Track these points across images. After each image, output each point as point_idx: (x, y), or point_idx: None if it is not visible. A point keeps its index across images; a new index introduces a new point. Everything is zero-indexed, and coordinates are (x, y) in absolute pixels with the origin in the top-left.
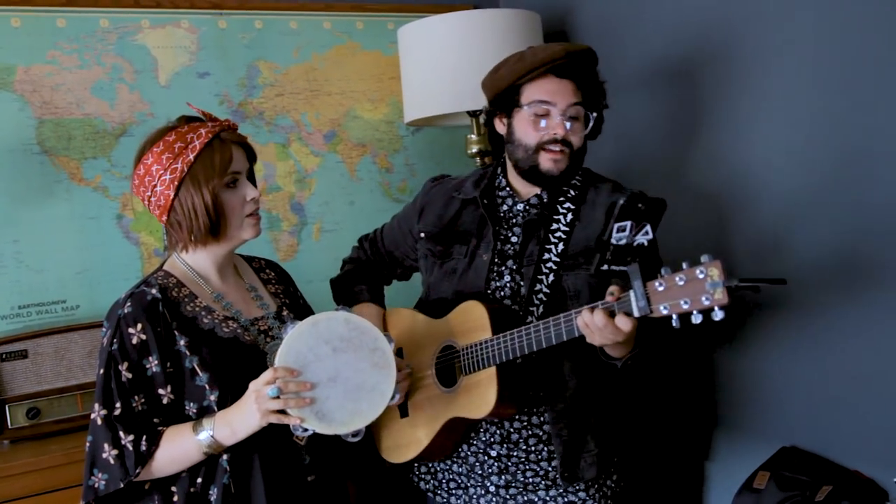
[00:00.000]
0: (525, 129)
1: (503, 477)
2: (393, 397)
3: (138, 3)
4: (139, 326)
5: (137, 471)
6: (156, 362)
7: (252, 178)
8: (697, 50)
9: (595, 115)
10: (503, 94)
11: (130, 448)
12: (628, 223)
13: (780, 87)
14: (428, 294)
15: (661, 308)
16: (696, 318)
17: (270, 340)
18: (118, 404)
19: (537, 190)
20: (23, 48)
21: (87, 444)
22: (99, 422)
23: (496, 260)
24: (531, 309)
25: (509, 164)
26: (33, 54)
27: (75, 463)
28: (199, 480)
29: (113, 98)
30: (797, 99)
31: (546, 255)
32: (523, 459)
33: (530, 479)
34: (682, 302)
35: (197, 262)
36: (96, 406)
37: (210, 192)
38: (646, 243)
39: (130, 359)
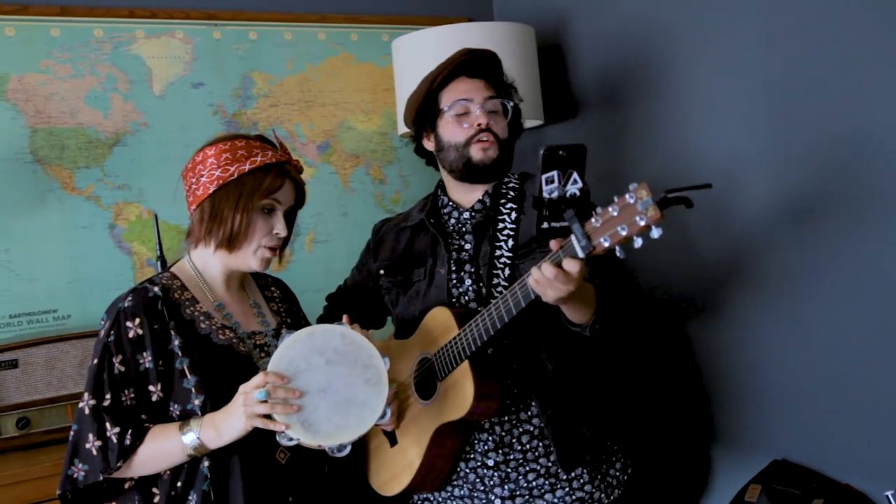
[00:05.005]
0: (451, 130)
1: (506, 487)
2: (383, 416)
3: (133, 14)
4: (137, 321)
5: (119, 464)
6: (149, 358)
7: (290, 220)
8: (686, 58)
9: (512, 104)
10: (423, 108)
11: (115, 440)
12: (555, 173)
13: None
14: (398, 326)
15: (603, 241)
16: (637, 243)
17: (265, 356)
18: (108, 395)
19: (479, 195)
20: (16, 57)
21: (72, 433)
22: (87, 411)
23: (453, 269)
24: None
25: (447, 177)
26: (27, 63)
27: None
28: (179, 484)
29: (107, 107)
30: (761, 105)
31: (498, 252)
32: (521, 461)
33: (533, 483)
34: (619, 229)
35: (206, 268)
36: (86, 395)
37: (245, 207)
38: (577, 192)
39: (125, 352)
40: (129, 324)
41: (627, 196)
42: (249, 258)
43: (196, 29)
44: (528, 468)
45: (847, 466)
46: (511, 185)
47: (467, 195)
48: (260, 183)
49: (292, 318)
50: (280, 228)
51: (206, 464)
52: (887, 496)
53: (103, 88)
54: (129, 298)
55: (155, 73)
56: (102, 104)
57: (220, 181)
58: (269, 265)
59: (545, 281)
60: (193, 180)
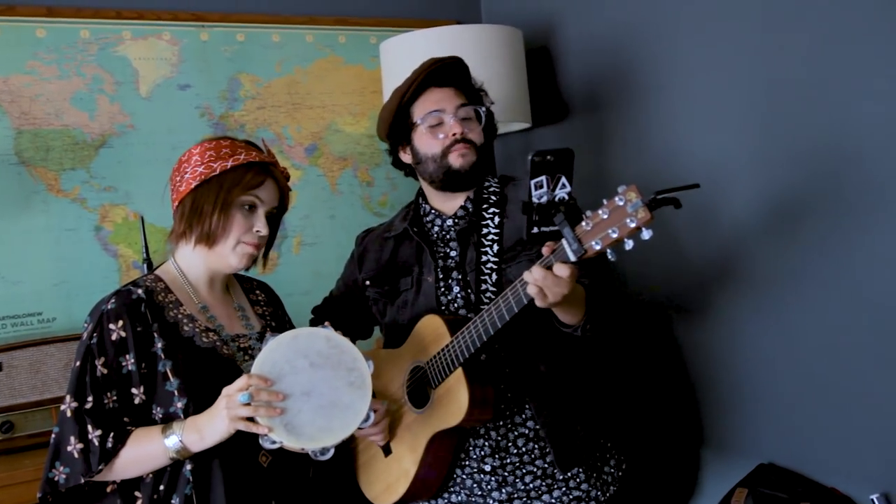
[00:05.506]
0: (427, 142)
1: (504, 490)
2: (366, 419)
3: (120, 15)
4: (120, 323)
5: (100, 467)
6: (132, 361)
7: (274, 224)
8: (673, 62)
9: (485, 109)
10: (396, 122)
11: (96, 443)
12: (543, 178)
13: (734, 93)
14: (387, 335)
15: (594, 244)
16: (629, 245)
17: (249, 359)
18: (90, 398)
19: (460, 201)
20: (1, 58)
21: (53, 436)
22: (68, 414)
23: (441, 277)
24: (482, 308)
25: (426, 187)
26: (12, 64)
27: None
28: (162, 488)
29: (93, 109)
30: (748, 107)
31: (484, 258)
32: (518, 464)
33: (531, 485)
34: (610, 232)
35: (190, 270)
36: (67, 398)
37: (224, 201)
38: (566, 196)
39: (107, 354)
40: (111, 326)
41: (617, 199)
42: (229, 255)
43: (183, 30)
44: (524, 471)
45: (833, 470)
46: (492, 189)
47: (448, 202)
48: (240, 178)
49: (277, 321)
50: (260, 226)
51: (188, 467)
52: (872, 500)
53: (89, 90)
54: (112, 301)
55: (142, 75)
56: (88, 106)
57: (203, 177)
58: (252, 264)
59: (539, 285)
60: (178, 179)
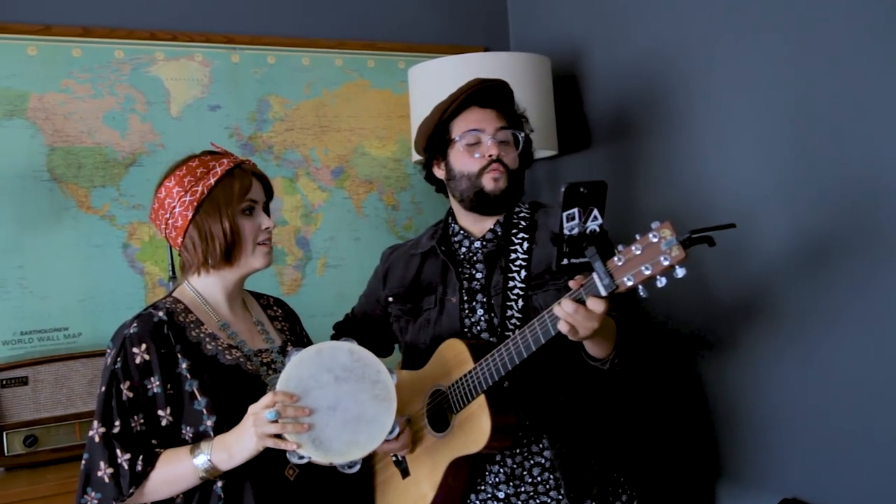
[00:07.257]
0: (462, 160)
1: None
2: (392, 431)
3: (154, 36)
4: (143, 346)
5: (131, 490)
6: (157, 383)
7: (267, 212)
8: (701, 93)
9: (523, 135)
10: (434, 136)
11: (126, 467)
12: (576, 210)
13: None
14: (406, 354)
15: (626, 280)
16: (661, 282)
17: (273, 373)
18: (117, 422)
19: (490, 224)
20: (37, 76)
21: (83, 463)
22: (97, 439)
23: (465, 298)
24: (507, 335)
25: (457, 206)
26: (47, 82)
27: (71, 493)
28: None
29: (124, 128)
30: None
31: (511, 283)
32: (532, 494)
33: None
34: (643, 269)
35: (206, 290)
36: (95, 424)
37: (228, 216)
38: (597, 229)
39: (132, 378)
40: (135, 350)
41: (651, 235)
42: (251, 260)
43: (215, 52)
44: (538, 501)
45: None
46: (522, 214)
47: (478, 224)
48: (232, 189)
49: (295, 337)
50: (266, 222)
51: (219, 484)
52: None
53: (122, 109)
54: (135, 325)
55: (173, 95)
56: (120, 124)
57: (195, 203)
58: (272, 259)
59: (569, 319)
60: (167, 216)
